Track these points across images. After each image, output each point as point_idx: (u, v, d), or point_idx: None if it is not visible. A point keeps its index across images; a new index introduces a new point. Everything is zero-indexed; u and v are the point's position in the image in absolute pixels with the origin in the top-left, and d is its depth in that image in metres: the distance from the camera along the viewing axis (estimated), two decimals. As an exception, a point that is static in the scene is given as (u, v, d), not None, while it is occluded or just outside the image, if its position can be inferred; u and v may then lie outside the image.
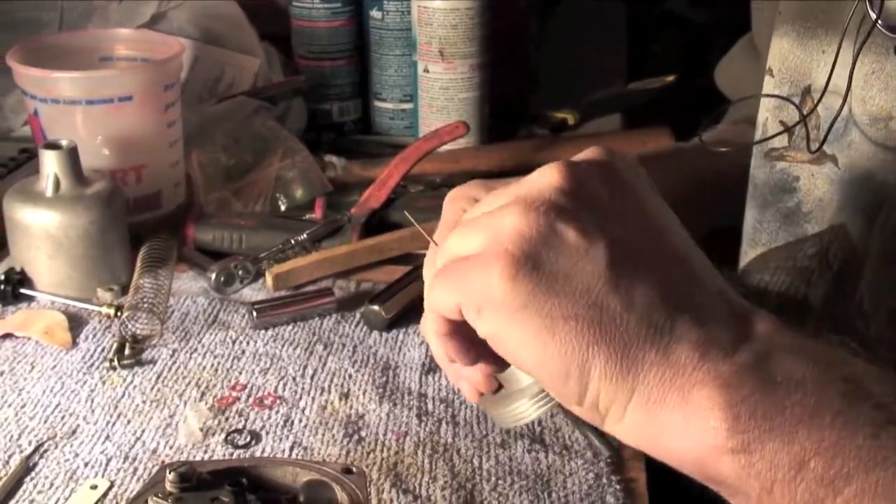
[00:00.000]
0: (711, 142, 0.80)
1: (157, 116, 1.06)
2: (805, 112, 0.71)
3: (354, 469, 0.56)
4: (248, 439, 0.79)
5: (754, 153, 0.80)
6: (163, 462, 0.75)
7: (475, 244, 0.49)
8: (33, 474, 0.74)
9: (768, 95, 0.76)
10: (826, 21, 0.73)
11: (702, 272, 0.49)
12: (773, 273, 0.77)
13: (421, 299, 0.94)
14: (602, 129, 1.41)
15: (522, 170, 0.66)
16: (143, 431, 0.79)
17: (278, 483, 0.56)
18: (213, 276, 0.99)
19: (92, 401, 0.83)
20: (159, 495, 0.53)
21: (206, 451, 0.77)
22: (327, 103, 1.38)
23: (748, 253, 0.81)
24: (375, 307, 0.93)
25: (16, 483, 0.73)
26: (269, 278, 0.99)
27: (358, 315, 0.95)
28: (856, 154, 0.71)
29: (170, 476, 0.53)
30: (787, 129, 0.74)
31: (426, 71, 1.32)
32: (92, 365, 0.88)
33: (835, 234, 0.73)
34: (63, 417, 0.81)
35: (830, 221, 0.74)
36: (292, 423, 0.81)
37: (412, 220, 0.58)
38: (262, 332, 0.93)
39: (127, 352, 0.89)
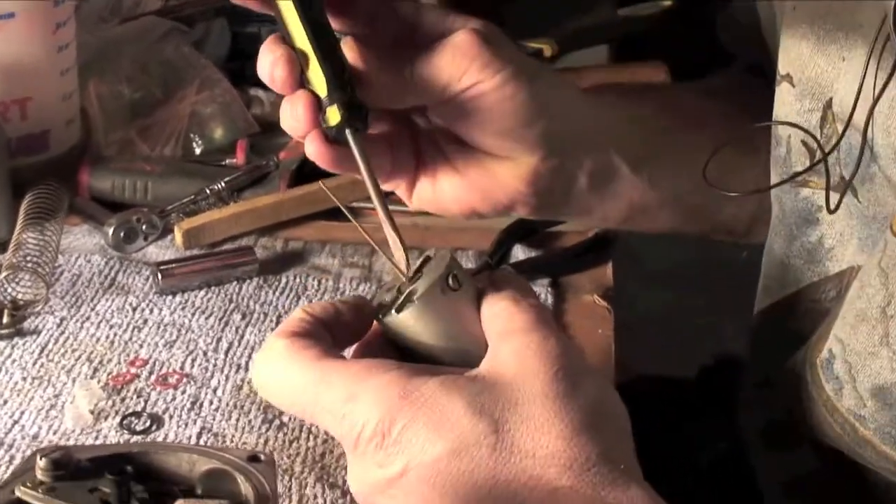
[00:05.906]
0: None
1: (46, 39, 1.06)
2: (826, 150, 0.71)
3: (262, 456, 0.56)
4: (148, 424, 0.79)
5: (777, 174, 0.80)
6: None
7: None
8: None
9: (790, 124, 0.75)
10: (845, 23, 0.71)
11: None
12: (803, 317, 0.79)
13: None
14: (585, 62, 1.41)
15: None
16: (21, 414, 0.80)
17: (172, 472, 0.57)
18: (111, 231, 0.99)
19: (-39, 377, 0.83)
20: (28, 484, 0.53)
21: (97, 437, 0.78)
22: (254, 26, 1.36)
23: (777, 293, 0.82)
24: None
25: None
26: (178, 234, 0.99)
27: (284, 280, 0.96)
28: (879, 189, 0.70)
29: (41, 462, 0.53)
30: (811, 167, 0.74)
31: (374, -11, 1.32)
32: (-38, 335, 0.88)
33: (852, 277, 0.73)
34: (-74, 397, 0.81)
35: (850, 261, 0.74)
36: (201, 405, 0.81)
37: (330, 194, 0.59)
38: (169, 297, 0.93)
39: (6, 320, 0.89)
